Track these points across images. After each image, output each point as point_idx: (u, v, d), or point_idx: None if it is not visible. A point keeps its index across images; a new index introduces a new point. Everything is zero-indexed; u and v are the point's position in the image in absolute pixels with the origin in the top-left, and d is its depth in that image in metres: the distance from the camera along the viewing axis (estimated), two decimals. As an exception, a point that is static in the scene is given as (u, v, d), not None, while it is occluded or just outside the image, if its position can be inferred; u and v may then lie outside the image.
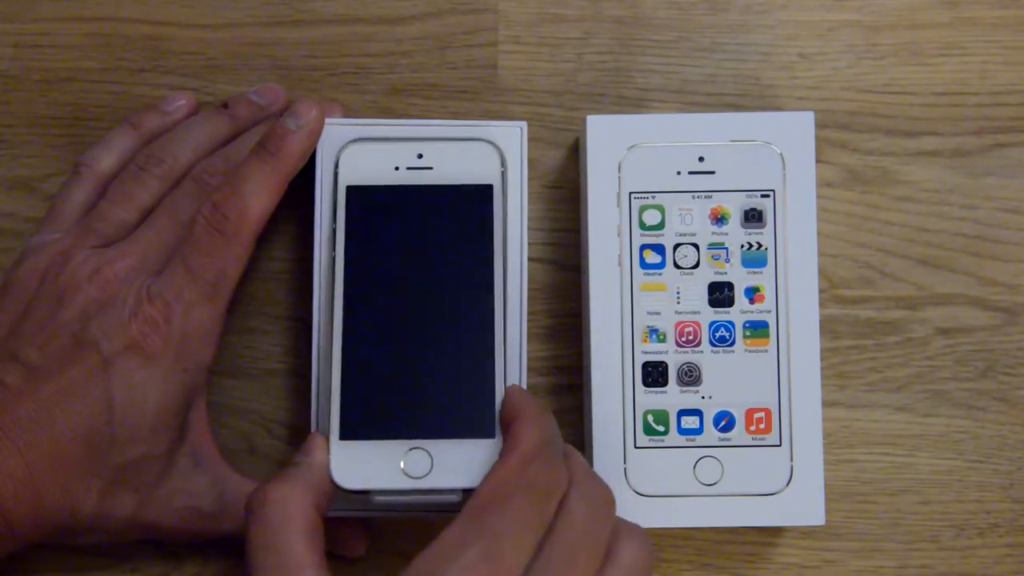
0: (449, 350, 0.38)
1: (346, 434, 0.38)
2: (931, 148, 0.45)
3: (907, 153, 0.45)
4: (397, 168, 0.40)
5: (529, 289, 0.42)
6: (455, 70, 0.45)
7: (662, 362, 0.41)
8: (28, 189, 0.45)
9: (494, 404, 0.38)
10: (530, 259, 0.44)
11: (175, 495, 0.39)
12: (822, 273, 0.44)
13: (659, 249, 0.41)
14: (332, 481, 0.37)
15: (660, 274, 0.41)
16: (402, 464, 0.37)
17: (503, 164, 0.40)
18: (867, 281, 0.45)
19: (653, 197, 0.41)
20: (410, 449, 0.37)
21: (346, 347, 0.39)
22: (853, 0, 0.45)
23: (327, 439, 0.38)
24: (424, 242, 0.39)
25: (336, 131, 0.42)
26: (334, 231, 0.40)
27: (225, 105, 0.44)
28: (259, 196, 0.39)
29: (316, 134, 0.41)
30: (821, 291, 0.44)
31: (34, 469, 0.36)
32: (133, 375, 0.37)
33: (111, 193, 0.41)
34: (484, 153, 0.40)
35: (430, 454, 0.37)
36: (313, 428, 0.41)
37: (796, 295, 0.41)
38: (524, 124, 0.42)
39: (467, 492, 0.37)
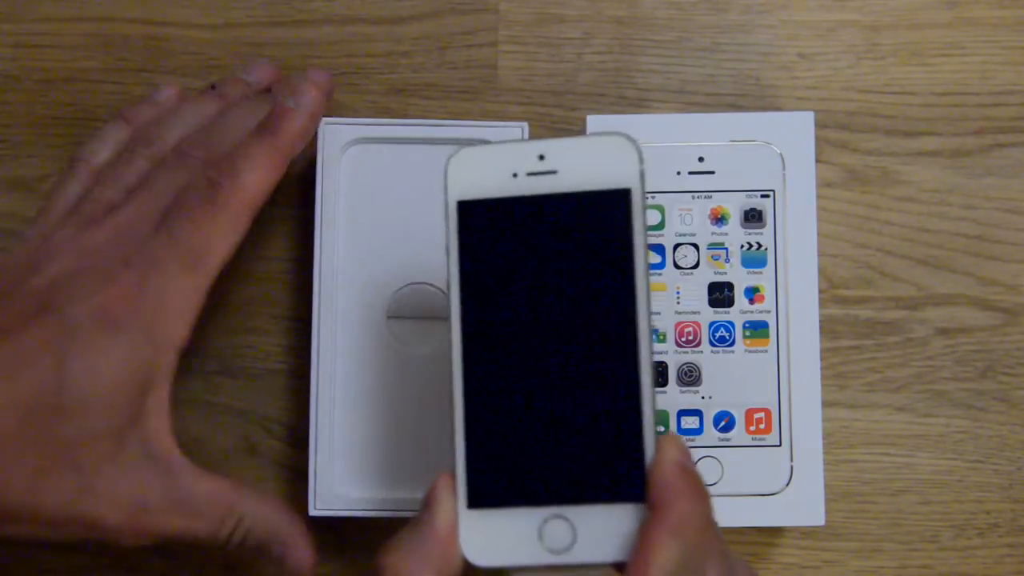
0: (587, 395, 0.32)
1: (475, 502, 0.32)
2: (931, 148, 0.45)
3: (907, 153, 0.45)
4: (515, 175, 0.33)
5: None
6: (455, 70, 0.45)
7: (662, 362, 0.41)
8: (28, 189, 0.45)
9: (643, 459, 0.31)
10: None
11: (120, 484, 0.36)
12: (822, 273, 0.44)
13: (659, 249, 0.41)
14: (461, 552, 0.31)
15: (660, 274, 0.41)
16: (540, 535, 0.31)
17: (641, 161, 0.32)
18: (867, 281, 0.45)
19: (653, 197, 0.41)
20: (548, 518, 0.31)
21: (469, 397, 0.32)
22: (853, 0, 0.45)
23: (454, 486, 0.32)
24: (552, 263, 0.32)
25: (336, 130, 0.42)
26: (447, 249, 0.33)
27: (213, 87, 0.43)
28: (255, 170, 0.38)
29: (317, 115, 0.40)
30: (821, 291, 0.44)
31: None
32: (94, 342, 0.35)
33: (101, 178, 0.40)
34: (618, 150, 0.32)
35: (571, 523, 0.31)
36: (312, 430, 0.41)
37: (796, 295, 0.41)
38: (525, 125, 0.42)
39: (617, 566, 0.31)
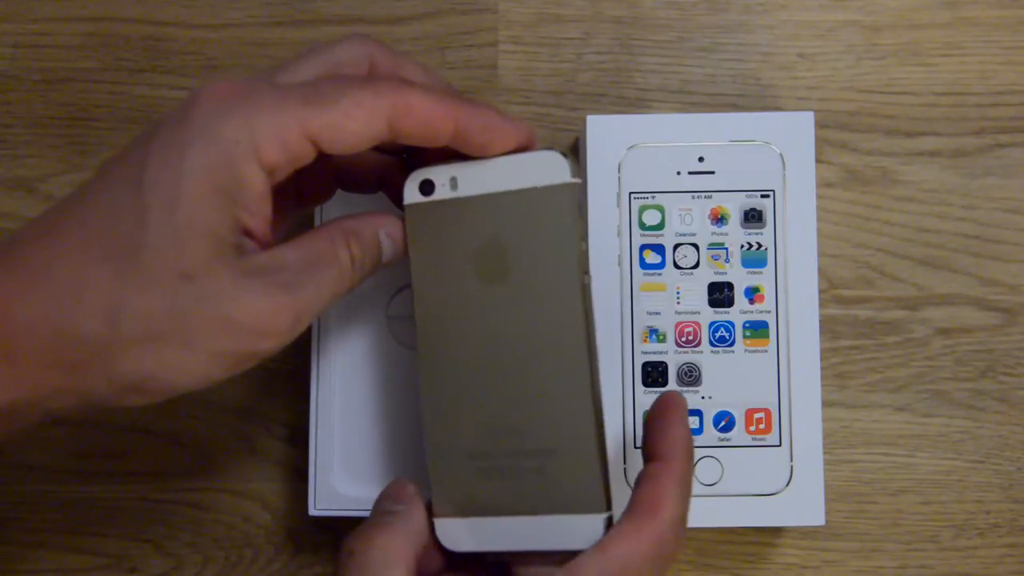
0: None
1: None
2: (931, 148, 0.45)
3: (907, 153, 0.45)
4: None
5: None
6: (455, 70, 0.45)
7: (662, 362, 0.41)
8: (28, 189, 0.45)
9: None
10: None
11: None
12: (822, 273, 0.44)
13: (659, 249, 0.41)
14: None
15: (660, 274, 0.41)
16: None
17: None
18: (867, 281, 0.45)
19: (653, 197, 0.41)
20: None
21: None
22: (853, 0, 0.45)
23: (418, 489, 0.35)
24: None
25: None
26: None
27: None
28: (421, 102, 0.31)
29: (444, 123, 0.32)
30: (821, 291, 0.44)
31: None
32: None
33: None
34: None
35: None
36: (312, 430, 0.41)
37: (796, 295, 0.41)
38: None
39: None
